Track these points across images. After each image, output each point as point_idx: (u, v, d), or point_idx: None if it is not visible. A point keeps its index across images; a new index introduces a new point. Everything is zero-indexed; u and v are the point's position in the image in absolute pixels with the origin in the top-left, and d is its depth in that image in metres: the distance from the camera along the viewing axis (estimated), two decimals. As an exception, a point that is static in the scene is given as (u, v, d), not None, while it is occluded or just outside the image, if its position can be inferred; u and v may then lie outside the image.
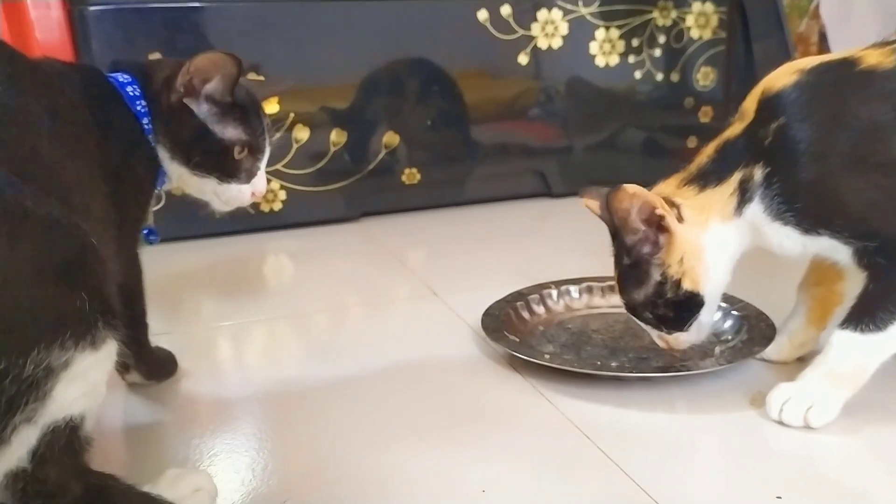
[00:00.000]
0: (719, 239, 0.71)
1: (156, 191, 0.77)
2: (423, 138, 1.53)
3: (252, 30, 1.35)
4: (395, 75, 1.49)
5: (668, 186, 0.74)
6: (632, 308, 0.75)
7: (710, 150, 0.73)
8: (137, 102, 0.74)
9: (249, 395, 0.79)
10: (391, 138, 1.50)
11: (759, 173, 0.69)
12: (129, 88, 0.74)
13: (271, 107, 1.37)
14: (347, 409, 0.75)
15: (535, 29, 1.54)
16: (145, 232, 0.78)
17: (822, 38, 1.73)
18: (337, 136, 1.46)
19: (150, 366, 0.79)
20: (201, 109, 0.75)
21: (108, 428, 0.73)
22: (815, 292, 0.79)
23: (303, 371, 0.85)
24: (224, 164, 0.77)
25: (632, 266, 0.73)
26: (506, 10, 1.50)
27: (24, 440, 0.49)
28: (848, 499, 0.59)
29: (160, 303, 0.95)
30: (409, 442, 0.68)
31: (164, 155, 0.76)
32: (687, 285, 0.71)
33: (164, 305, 1.04)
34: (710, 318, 0.74)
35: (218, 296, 1.12)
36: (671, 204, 0.71)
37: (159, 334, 0.83)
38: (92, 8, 1.26)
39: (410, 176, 1.53)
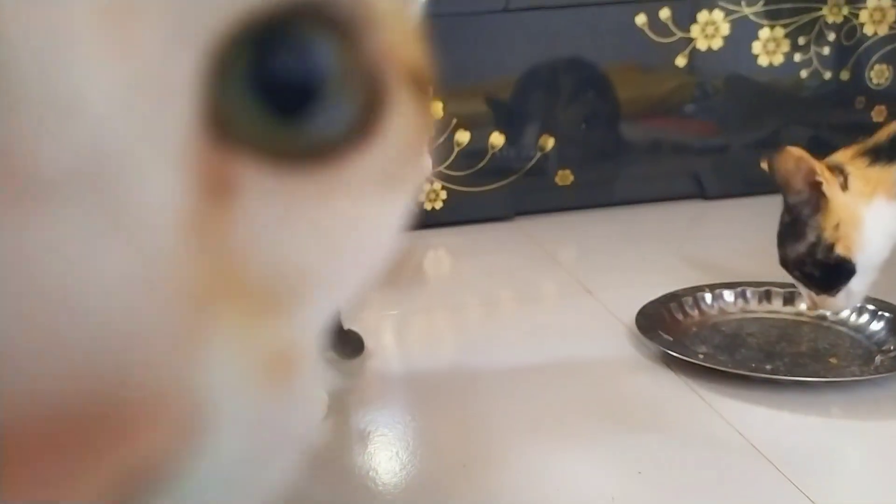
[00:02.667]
0: (881, 214, 0.74)
1: None
2: (576, 140, 1.58)
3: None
4: (552, 80, 1.55)
5: (843, 155, 0.78)
6: (784, 263, 0.80)
7: (892, 127, 0.75)
8: None
9: (406, 380, 0.89)
10: (546, 140, 1.56)
11: None
12: None
13: (436, 111, 1.48)
14: (498, 402, 0.82)
15: (695, 30, 1.54)
16: None
17: None
18: (495, 139, 1.54)
19: (342, 343, 0.91)
20: None
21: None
22: None
23: (457, 361, 0.93)
24: None
25: (790, 223, 0.78)
26: (664, 13, 1.52)
27: None
28: None
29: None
30: (558, 436, 0.74)
31: None
32: (839, 250, 0.74)
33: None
34: (861, 287, 0.77)
35: (384, 286, 1.23)
36: (840, 172, 0.73)
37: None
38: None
39: (564, 177, 1.58)
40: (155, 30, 0.12)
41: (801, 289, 0.81)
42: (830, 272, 0.76)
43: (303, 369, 0.13)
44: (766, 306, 0.97)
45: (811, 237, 0.76)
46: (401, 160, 0.15)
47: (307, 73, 0.13)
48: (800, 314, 0.95)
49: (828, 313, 0.89)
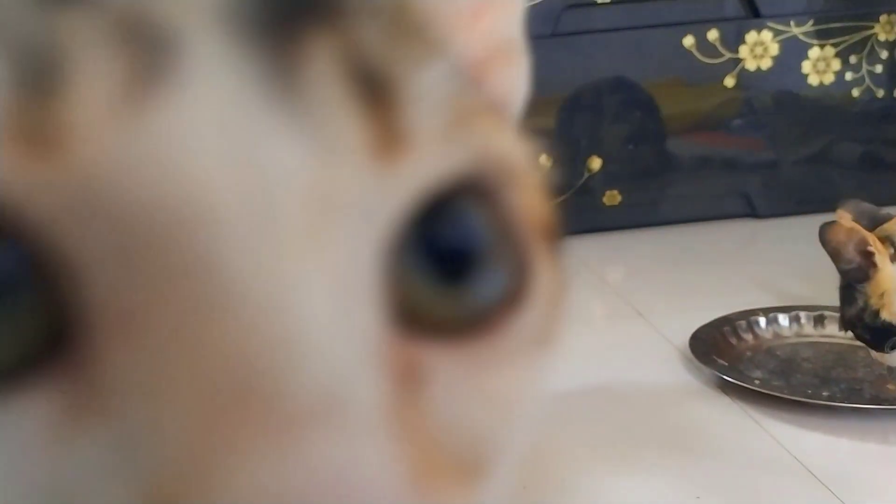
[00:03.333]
0: None
1: None
2: (624, 161, 1.60)
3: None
4: (597, 102, 1.58)
5: (893, 225, 0.78)
6: (842, 323, 0.85)
7: None
8: None
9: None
10: (594, 162, 1.58)
11: None
12: None
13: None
14: (552, 427, 0.85)
15: (744, 51, 1.55)
16: None
17: None
18: (543, 161, 1.57)
19: None
20: None
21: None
22: None
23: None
24: None
25: (845, 287, 0.82)
26: (713, 34, 1.53)
27: None
28: None
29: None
30: (614, 462, 0.76)
31: None
32: (885, 316, 0.77)
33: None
34: None
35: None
36: (890, 242, 0.75)
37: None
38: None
39: (611, 197, 1.60)
40: (348, 221, 0.12)
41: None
42: (878, 334, 0.79)
43: None
44: (820, 330, 0.98)
45: (860, 302, 0.79)
46: (550, 318, 0.16)
47: (467, 242, 0.14)
48: (855, 339, 0.95)
49: None
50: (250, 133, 0.12)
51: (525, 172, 0.15)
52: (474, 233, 0.14)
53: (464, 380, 0.14)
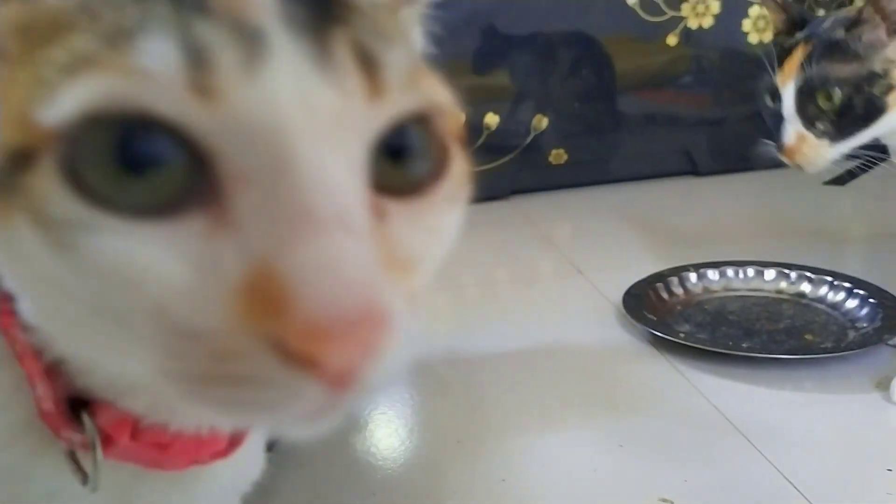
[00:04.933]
0: None
1: None
2: (570, 119, 1.61)
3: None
4: (544, 61, 1.58)
5: None
6: (812, 80, 0.75)
7: None
8: None
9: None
10: (539, 121, 1.59)
11: None
12: None
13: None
14: (491, 381, 0.87)
15: (686, 9, 1.56)
16: None
17: None
18: (490, 119, 1.57)
19: None
20: None
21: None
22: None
23: (453, 341, 0.98)
24: None
25: (845, 42, 0.74)
26: (656, -8, 1.54)
27: None
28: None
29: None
30: (546, 413, 0.79)
31: None
32: (890, 99, 0.73)
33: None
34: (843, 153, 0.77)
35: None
36: None
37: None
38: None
39: (557, 156, 1.62)
40: (354, 132, 0.24)
41: (793, 128, 0.77)
42: (869, 114, 0.73)
43: (421, 303, 0.26)
44: (748, 284, 1.02)
45: (875, 66, 0.73)
46: (459, 186, 0.28)
47: (412, 145, 0.26)
48: (780, 292, 1.00)
49: (807, 290, 0.95)
50: (308, 86, 0.23)
51: (447, 106, 0.27)
52: (416, 140, 0.26)
53: (408, 218, 0.26)
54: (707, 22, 1.57)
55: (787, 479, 0.65)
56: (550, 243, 1.35)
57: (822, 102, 0.74)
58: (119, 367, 0.28)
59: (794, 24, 0.81)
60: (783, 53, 0.79)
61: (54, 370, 0.29)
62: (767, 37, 1.59)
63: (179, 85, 0.22)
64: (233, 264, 0.22)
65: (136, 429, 0.30)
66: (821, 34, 0.76)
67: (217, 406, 0.24)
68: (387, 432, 0.78)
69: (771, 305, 0.97)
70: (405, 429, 0.79)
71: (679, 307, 0.99)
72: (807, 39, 0.77)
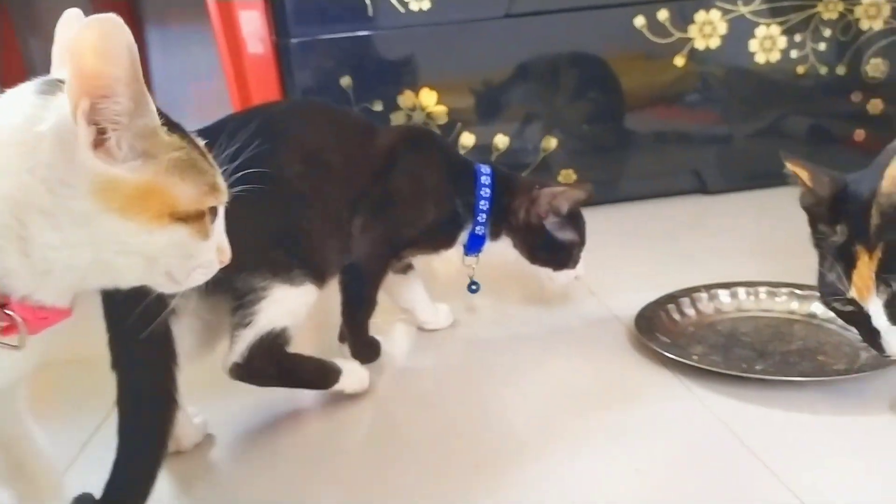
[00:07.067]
0: None
1: (469, 255, 1.05)
2: (578, 139, 1.63)
3: (424, 48, 1.51)
4: (553, 84, 1.60)
5: None
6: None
7: None
8: (484, 189, 1.00)
9: (421, 371, 0.95)
10: (548, 142, 1.60)
11: None
12: (483, 178, 1.01)
13: (440, 117, 1.53)
14: (505, 404, 0.88)
15: (693, 31, 1.58)
16: (471, 284, 1.08)
17: None
18: (499, 140, 1.59)
19: (354, 345, 0.98)
20: (549, 222, 1.02)
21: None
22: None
23: (467, 358, 1.00)
24: (562, 258, 1.04)
25: None
26: (663, 14, 1.55)
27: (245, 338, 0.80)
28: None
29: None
30: (560, 434, 0.80)
31: (496, 238, 1.03)
32: None
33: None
34: None
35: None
36: None
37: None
38: (293, 40, 1.47)
39: (567, 176, 1.63)
40: None
41: (893, 336, 0.69)
42: None
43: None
44: (759, 304, 1.02)
45: None
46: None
47: None
48: (792, 312, 1.00)
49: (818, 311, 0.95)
50: None
51: None
52: None
53: None
54: (714, 42, 1.58)
55: (803, 502, 0.65)
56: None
57: None
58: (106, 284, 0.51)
59: (830, 209, 0.71)
60: (842, 257, 0.69)
61: None
62: (774, 56, 1.60)
63: None
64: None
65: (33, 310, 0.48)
66: (883, 237, 0.66)
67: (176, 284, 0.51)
68: (394, 455, 0.79)
69: (783, 326, 0.98)
70: (415, 453, 0.79)
71: (691, 328, 0.99)
72: (865, 243, 0.67)
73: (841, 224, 0.70)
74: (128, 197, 0.46)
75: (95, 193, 0.45)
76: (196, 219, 0.49)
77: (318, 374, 0.87)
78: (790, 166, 0.73)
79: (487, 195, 1.01)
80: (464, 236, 1.03)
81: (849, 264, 0.68)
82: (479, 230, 1.02)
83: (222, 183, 0.52)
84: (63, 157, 0.45)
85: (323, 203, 0.88)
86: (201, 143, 0.52)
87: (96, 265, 0.47)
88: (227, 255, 0.54)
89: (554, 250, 1.03)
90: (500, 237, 1.04)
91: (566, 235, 1.03)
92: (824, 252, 0.71)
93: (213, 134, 0.57)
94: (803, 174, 0.72)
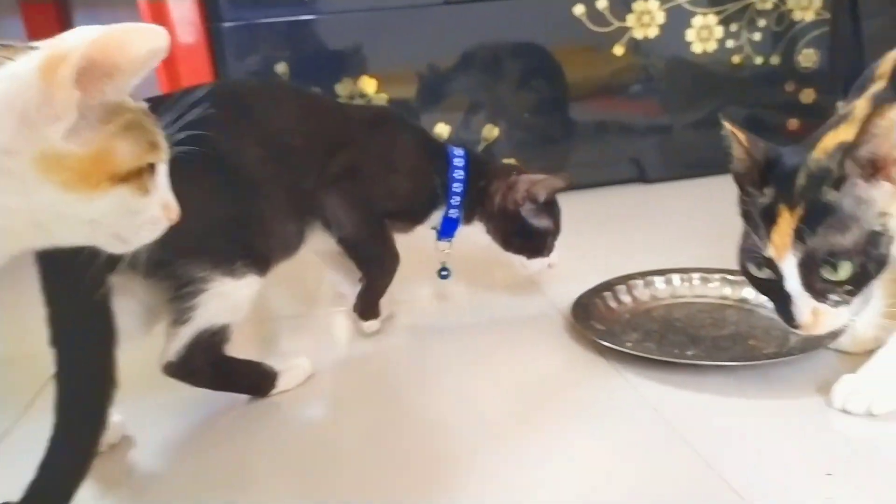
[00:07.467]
0: None
1: (441, 240, 1.04)
2: (521, 129, 1.62)
3: (363, 35, 1.48)
4: (495, 73, 1.58)
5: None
6: (815, 255, 0.66)
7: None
8: (457, 171, 0.99)
9: (366, 358, 0.93)
10: (490, 131, 1.59)
11: None
12: (457, 160, 1.00)
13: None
14: (443, 387, 0.87)
15: (631, 20, 1.58)
16: (442, 269, 1.07)
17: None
18: (440, 130, 1.57)
19: (361, 304, 0.99)
20: (526, 209, 1.00)
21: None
22: (893, 287, 0.83)
23: (408, 347, 0.99)
24: (536, 246, 1.02)
25: (838, 204, 0.66)
26: (602, 3, 1.56)
27: (182, 336, 0.77)
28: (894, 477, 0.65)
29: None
30: (494, 423, 0.79)
31: (469, 223, 1.02)
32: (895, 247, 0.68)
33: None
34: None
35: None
36: None
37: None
38: (225, 24, 1.42)
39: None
40: None
41: (804, 305, 0.68)
42: (877, 272, 0.66)
43: None
44: (693, 291, 1.03)
45: (874, 224, 0.65)
46: None
47: None
48: (725, 298, 1.01)
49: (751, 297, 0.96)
50: None
51: None
52: None
53: None
54: (652, 32, 1.59)
55: (730, 486, 0.65)
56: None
57: (829, 275, 0.66)
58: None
59: (760, 174, 0.71)
60: (765, 216, 0.69)
61: None
62: (711, 46, 1.62)
63: None
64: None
65: None
66: (806, 196, 0.66)
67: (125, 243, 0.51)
68: (327, 453, 0.77)
69: (716, 312, 0.99)
70: (347, 449, 0.77)
71: (627, 316, 0.99)
72: (788, 202, 0.67)
73: (769, 187, 0.70)
74: (72, 170, 0.45)
75: (38, 164, 0.44)
76: (136, 176, 0.49)
77: (255, 380, 0.85)
78: (728, 127, 0.73)
79: (461, 177, 0.99)
80: (436, 218, 1.01)
81: (771, 223, 0.68)
82: (454, 213, 1.01)
83: (163, 141, 0.51)
84: (9, 125, 0.44)
85: (282, 189, 0.85)
86: (144, 104, 0.51)
87: (34, 229, 0.47)
88: (174, 212, 0.53)
89: (529, 238, 1.02)
90: (473, 222, 1.02)
91: (541, 223, 1.02)
92: (749, 215, 0.71)
93: (172, 103, 0.56)
94: (741, 136, 0.73)
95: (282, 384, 0.85)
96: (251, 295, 0.82)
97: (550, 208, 1.03)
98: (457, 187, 0.99)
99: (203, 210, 0.75)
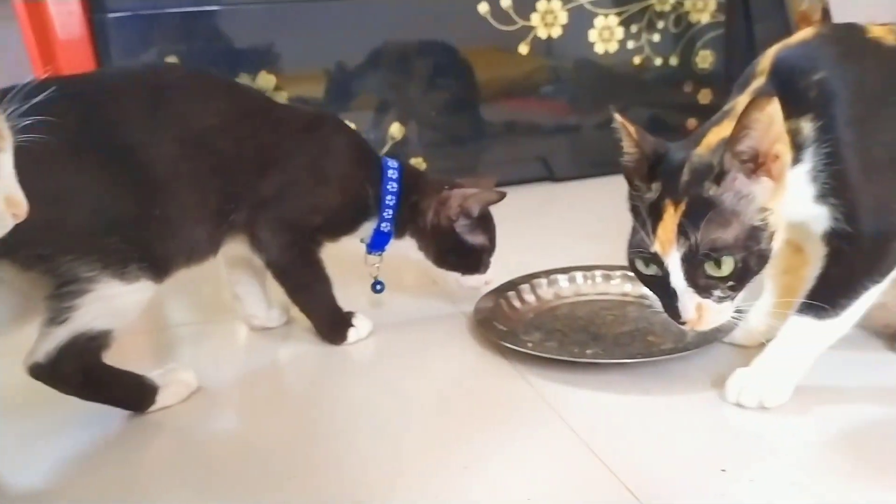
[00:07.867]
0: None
1: (371, 253, 1.01)
2: (431, 128, 1.60)
3: (262, 29, 1.42)
4: (401, 71, 1.55)
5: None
6: (697, 251, 0.66)
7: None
8: (391, 183, 0.96)
9: (274, 368, 0.88)
10: (397, 129, 1.56)
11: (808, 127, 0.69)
12: (391, 171, 0.96)
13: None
14: (350, 387, 0.84)
15: (535, 19, 1.58)
16: (375, 284, 1.04)
17: (826, 14, 1.75)
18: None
19: (319, 330, 0.96)
20: (459, 225, 0.97)
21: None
22: (782, 280, 0.85)
23: (308, 351, 0.94)
24: (471, 263, 0.99)
25: (719, 199, 0.66)
26: (506, 1, 1.55)
27: (55, 337, 0.71)
28: (788, 470, 0.66)
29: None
30: (393, 426, 0.76)
31: (400, 238, 0.99)
32: (777, 242, 0.68)
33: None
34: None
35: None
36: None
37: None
38: (110, 15, 1.33)
39: (416, 165, 1.59)
40: None
41: (689, 301, 0.67)
42: (759, 267, 0.67)
43: None
44: (596, 288, 1.03)
45: (755, 220, 0.66)
46: None
47: None
48: (625, 294, 1.01)
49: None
50: None
51: None
52: None
53: None
54: (556, 32, 1.60)
55: (626, 486, 0.64)
56: (406, 254, 1.31)
57: (712, 271, 0.66)
58: None
59: (649, 168, 0.70)
60: (652, 212, 0.69)
61: None
62: (613, 47, 1.65)
63: None
64: None
65: None
66: (689, 191, 0.66)
67: None
68: (218, 469, 0.72)
69: (617, 308, 0.99)
70: (246, 464, 0.73)
71: (531, 315, 0.98)
72: (673, 197, 0.67)
73: (656, 182, 0.70)
74: None
75: None
76: None
77: (132, 394, 0.78)
78: (619, 120, 0.73)
79: (395, 189, 0.96)
80: (367, 230, 0.97)
81: (657, 219, 0.68)
82: (385, 227, 0.97)
83: (4, 129, 0.47)
84: None
85: (196, 192, 0.79)
86: None
87: None
88: (20, 208, 0.48)
89: (463, 255, 0.98)
90: (405, 237, 0.98)
91: (476, 239, 0.99)
92: (638, 210, 0.71)
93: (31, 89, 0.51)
94: (631, 129, 0.72)
95: (162, 400, 0.79)
96: (142, 301, 0.75)
97: (485, 223, 1.00)
98: (390, 200, 0.96)
99: (96, 205, 0.69)
